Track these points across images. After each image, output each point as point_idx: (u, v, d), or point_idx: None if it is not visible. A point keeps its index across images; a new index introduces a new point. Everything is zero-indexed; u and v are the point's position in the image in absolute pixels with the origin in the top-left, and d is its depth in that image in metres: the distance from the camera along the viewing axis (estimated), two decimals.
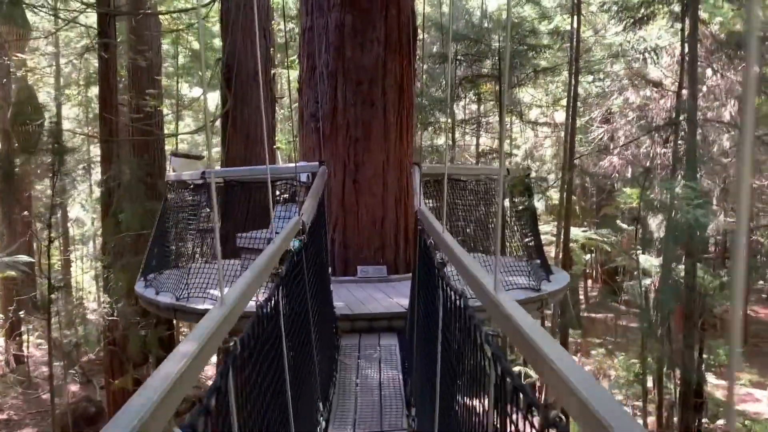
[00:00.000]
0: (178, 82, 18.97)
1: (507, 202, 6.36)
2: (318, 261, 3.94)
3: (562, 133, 20.38)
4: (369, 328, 4.68)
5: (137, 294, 6.04)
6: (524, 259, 6.04)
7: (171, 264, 6.11)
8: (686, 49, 14.50)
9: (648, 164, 17.75)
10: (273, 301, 2.16)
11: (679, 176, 11.90)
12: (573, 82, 12.82)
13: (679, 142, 12.24)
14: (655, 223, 14.54)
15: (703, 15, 14.86)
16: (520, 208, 6.03)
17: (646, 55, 13.90)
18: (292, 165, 5.60)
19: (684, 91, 14.57)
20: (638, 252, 12.38)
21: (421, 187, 4.37)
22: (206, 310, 4.70)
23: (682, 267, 12.99)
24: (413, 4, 6.45)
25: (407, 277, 6.12)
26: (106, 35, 13.18)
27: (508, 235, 6.21)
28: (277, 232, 6.13)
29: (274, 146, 11.25)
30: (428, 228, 3.07)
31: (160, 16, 16.34)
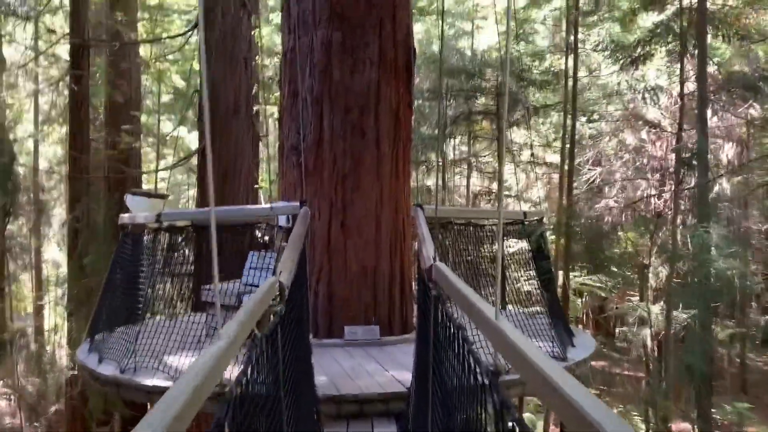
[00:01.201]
0: (159, 120, 18.03)
1: (515, 248, 5.36)
2: (297, 333, 2.90)
3: (555, 175, 19.60)
4: (359, 412, 3.59)
5: (77, 362, 4.92)
6: (541, 315, 5.02)
7: (121, 321, 5.01)
8: (685, 90, 13.81)
9: (643, 207, 16.90)
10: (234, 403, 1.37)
11: (694, 221, 11.02)
12: (570, 122, 12.04)
13: (687, 184, 11.41)
14: (665, 272, 13.55)
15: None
16: (535, 257, 5.03)
17: (646, 95, 13.17)
18: (281, 204, 4.60)
19: (684, 133, 13.82)
20: (648, 302, 11.40)
21: (427, 232, 3.37)
22: (155, 387, 3.53)
23: (686, 317, 12.01)
24: (411, 21, 5.55)
25: (405, 341, 5.05)
26: (79, 67, 12.25)
27: (524, 289, 5.19)
28: (250, 286, 5.04)
29: (256, 185, 10.24)
30: (454, 295, 2.06)
31: (140, 51, 15.48)
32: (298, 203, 4.06)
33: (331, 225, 5.13)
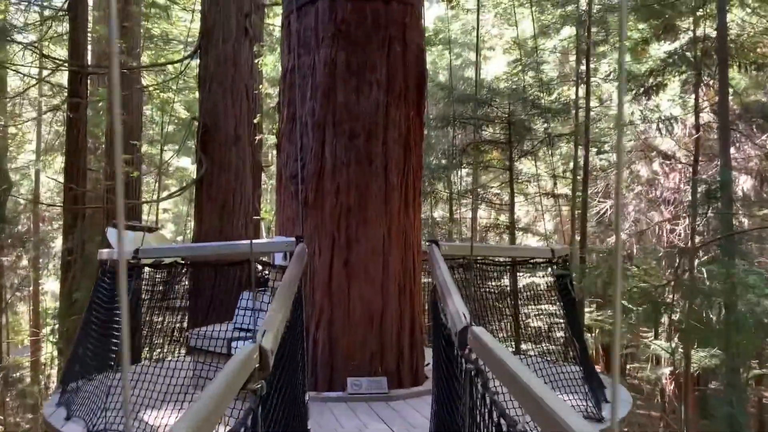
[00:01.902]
0: (162, 150, 17.63)
1: (524, 282, 4.76)
2: (288, 407, 2.32)
3: (565, 207, 19.02)
4: None
5: (42, 417, 4.31)
6: (565, 364, 4.41)
7: (96, 369, 4.42)
8: (701, 120, 13.29)
9: (655, 240, 16.28)
10: None
11: (710, 256, 10.41)
12: (583, 152, 11.52)
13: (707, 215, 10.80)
14: (676, 308, 12.85)
15: (711, 85, 13.75)
16: (563, 301, 4.43)
17: (661, 125, 12.66)
18: (263, 241, 4.03)
19: (699, 165, 13.25)
20: (671, 341, 10.71)
21: (449, 278, 2.79)
22: None
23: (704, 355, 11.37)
24: (423, 42, 5.05)
25: (415, 394, 4.42)
26: (77, 95, 11.83)
27: (533, 324, 4.58)
28: (241, 330, 4.45)
29: (257, 217, 9.70)
30: (498, 371, 1.47)
31: (143, 80, 15.11)
32: (293, 239, 3.49)
33: (333, 264, 4.55)
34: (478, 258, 4.10)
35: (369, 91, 4.66)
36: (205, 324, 5.36)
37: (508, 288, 4.59)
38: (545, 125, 10.02)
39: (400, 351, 4.59)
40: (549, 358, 4.65)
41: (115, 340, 4.18)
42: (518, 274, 4.54)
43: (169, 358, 4.76)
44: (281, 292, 2.72)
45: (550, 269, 4.31)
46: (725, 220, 8.91)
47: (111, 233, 4.87)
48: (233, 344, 4.40)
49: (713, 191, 8.45)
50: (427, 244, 3.87)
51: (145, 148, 18.49)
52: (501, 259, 4.31)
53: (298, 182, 4.70)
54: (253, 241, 4.06)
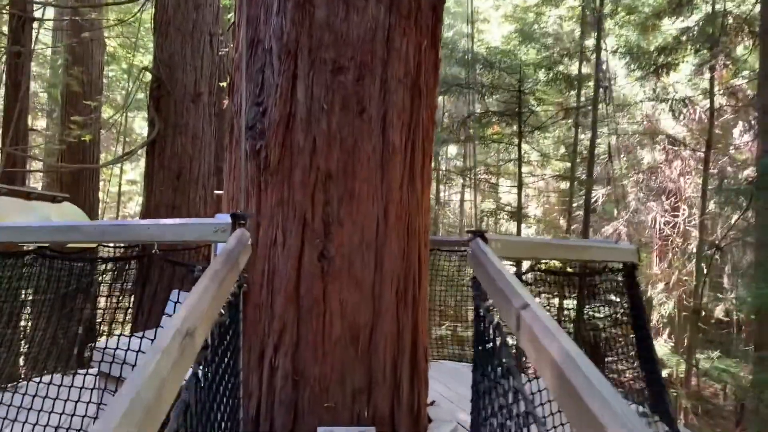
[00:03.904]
0: (125, 114, 15.81)
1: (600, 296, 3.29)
2: None
3: (552, 194, 17.64)
4: None
5: None
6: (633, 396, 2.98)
7: None
8: (716, 103, 11.90)
9: (655, 235, 15.07)
10: None
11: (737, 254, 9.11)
12: (591, 132, 10.10)
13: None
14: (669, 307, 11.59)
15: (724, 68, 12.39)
16: (634, 317, 2.98)
17: (675, 106, 11.27)
18: (174, 222, 2.50)
19: (711, 151, 11.91)
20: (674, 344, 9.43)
21: (524, 292, 1.33)
22: None
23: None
24: None
25: None
26: (19, 42, 10.03)
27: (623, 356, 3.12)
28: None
29: (218, 191, 8.13)
30: None
31: (104, 35, 13.26)
32: (227, 218, 1.99)
33: (302, 257, 3.02)
34: (539, 264, 2.64)
35: (364, 5, 3.10)
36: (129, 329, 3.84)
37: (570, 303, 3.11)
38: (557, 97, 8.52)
39: (397, 386, 3.09)
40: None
41: None
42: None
43: (67, 374, 3.24)
44: (188, 306, 1.24)
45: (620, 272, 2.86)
46: (762, 215, 7.52)
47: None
48: None
49: (757, 181, 7.04)
50: (467, 236, 2.37)
51: (111, 113, 16.67)
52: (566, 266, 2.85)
53: (256, 136, 3.15)
54: (161, 221, 2.50)
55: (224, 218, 2.46)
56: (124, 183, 18.29)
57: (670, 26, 12.91)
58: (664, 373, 12.48)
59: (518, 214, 9.04)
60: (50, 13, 13.00)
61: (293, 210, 3.05)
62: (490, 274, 1.68)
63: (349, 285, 3.04)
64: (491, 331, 1.68)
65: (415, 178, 3.23)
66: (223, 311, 1.72)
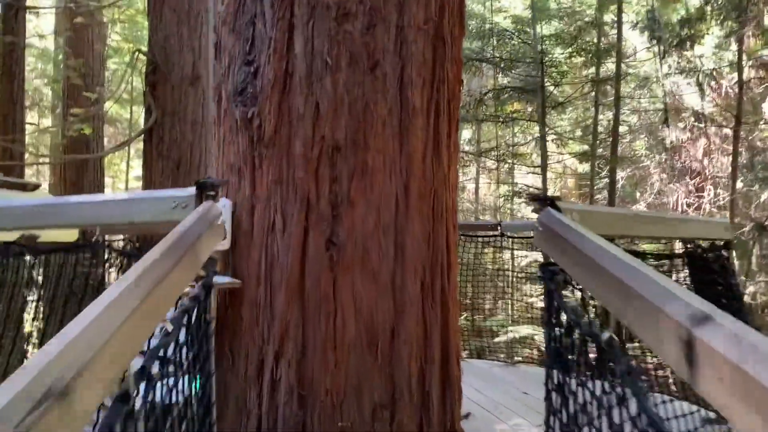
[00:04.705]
0: (132, 104, 15.37)
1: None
2: None
3: (570, 178, 16.99)
4: None
5: None
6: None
7: None
8: (744, 77, 11.18)
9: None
10: None
11: None
12: (614, 111, 9.41)
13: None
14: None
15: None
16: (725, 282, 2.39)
17: (702, 79, 10.57)
18: (139, 195, 1.94)
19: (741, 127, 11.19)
20: None
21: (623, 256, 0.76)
22: None
23: None
24: None
25: None
26: (12, 33, 9.55)
27: None
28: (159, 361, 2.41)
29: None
30: None
31: (103, 22, 12.76)
32: (191, 190, 1.45)
33: (306, 245, 2.46)
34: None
35: None
36: None
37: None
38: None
39: (425, 400, 2.53)
40: None
41: None
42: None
43: None
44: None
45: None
46: None
47: None
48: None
49: None
50: (530, 205, 1.79)
51: (115, 107, 16.21)
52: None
53: (247, 101, 2.59)
54: (101, 197, 1.94)
55: (169, 192, 1.90)
56: (131, 179, 17.85)
57: None
58: None
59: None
60: (48, 2, 12.51)
61: (294, 189, 2.49)
62: (594, 258, 1.10)
63: (364, 277, 2.48)
64: (583, 338, 1.14)
65: (441, 146, 2.65)
66: (170, 329, 1.16)
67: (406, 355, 2.49)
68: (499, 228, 4.03)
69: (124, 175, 16.53)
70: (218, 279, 2.47)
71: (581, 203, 11.72)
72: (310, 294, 2.46)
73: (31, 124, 11.18)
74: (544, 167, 8.54)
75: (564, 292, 1.40)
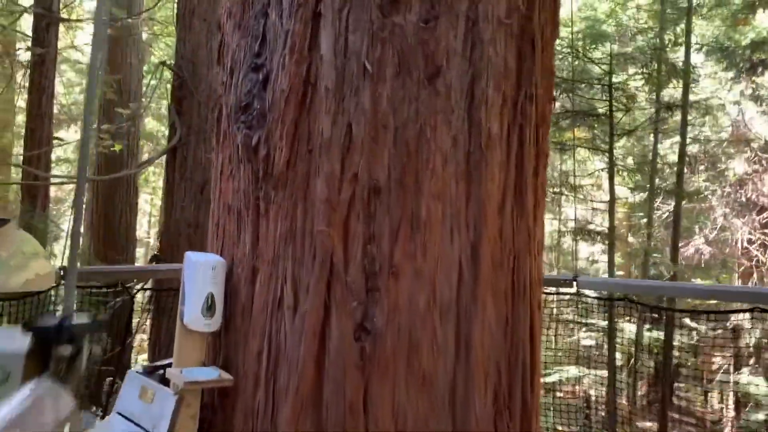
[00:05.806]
0: (170, 124, 14.97)
1: None
2: None
3: (621, 209, 15.88)
4: None
5: None
6: None
7: None
8: None
9: (741, 255, 13.19)
10: None
11: None
12: (680, 138, 8.44)
13: None
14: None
15: None
16: None
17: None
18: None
19: None
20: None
21: None
22: None
23: None
24: None
25: None
26: (41, 45, 9.14)
27: None
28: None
29: None
30: None
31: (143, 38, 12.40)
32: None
33: (326, 332, 1.66)
34: None
35: None
36: None
37: None
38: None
39: None
40: None
41: None
42: None
43: None
44: None
45: None
46: None
47: None
48: None
49: None
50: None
51: (153, 123, 15.91)
52: None
53: (252, 121, 1.82)
54: None
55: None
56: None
57: (766, 18, 11.15)
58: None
59: (611, 236, 7.41)
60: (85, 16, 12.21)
61: (312, 248, 1.69)
62: None
63: (410, 383, 1.65)
64: None
65: (525, 191, 1.82)
66: None
67: None
68: (574, 284, 3.16)
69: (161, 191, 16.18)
70: (199, 374, 1.70)
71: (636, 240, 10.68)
72: (330, 405, 1.64)
73: (57, 138, 10.77)
74: (611, 202, 7.57)
75: None
